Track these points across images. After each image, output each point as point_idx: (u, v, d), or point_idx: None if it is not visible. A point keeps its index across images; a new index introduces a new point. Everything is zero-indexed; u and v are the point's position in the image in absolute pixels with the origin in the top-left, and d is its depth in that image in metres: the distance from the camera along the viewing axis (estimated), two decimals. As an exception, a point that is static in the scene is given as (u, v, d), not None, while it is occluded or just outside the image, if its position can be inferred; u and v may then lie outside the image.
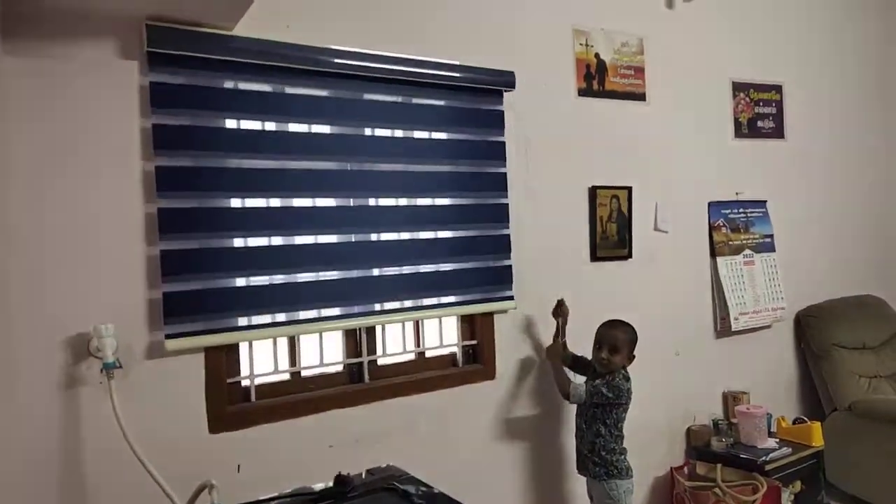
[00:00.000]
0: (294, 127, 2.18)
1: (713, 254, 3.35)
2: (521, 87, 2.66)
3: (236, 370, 2.15)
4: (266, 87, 2.13)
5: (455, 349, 2.62)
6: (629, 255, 3.03)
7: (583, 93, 2.91)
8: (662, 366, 3.12)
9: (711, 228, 3.35)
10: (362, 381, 2.37)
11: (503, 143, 2.63)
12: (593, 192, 2.92)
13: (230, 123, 2.08)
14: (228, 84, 2.07)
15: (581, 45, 2.91)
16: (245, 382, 2.18)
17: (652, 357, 3.02)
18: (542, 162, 2.78)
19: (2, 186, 1.76)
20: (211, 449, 2.05)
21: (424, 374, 2.51)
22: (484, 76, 2.54)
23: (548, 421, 2.76)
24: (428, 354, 2.57)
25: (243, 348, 2.17)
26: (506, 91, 2.62)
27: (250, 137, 2.11)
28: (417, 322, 2.53)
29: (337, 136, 2.26)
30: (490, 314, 2.62)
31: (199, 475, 2.01)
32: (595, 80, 2.95)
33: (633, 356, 2.52)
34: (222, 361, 2.09)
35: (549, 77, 2.82)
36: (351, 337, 2.38)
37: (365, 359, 2.38)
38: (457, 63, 2.48)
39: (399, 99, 2.39)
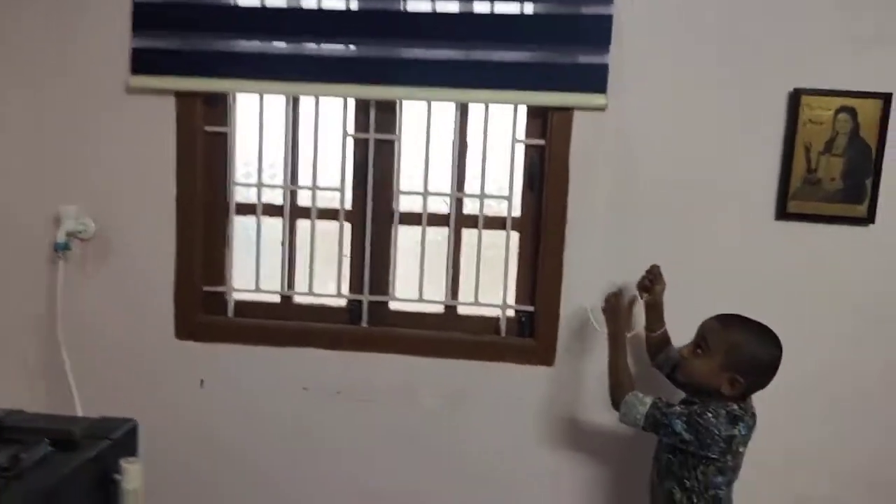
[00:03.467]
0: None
1: None
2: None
3: (219, 278, 1.96)
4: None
5: (499, 311, 1.89)
6: (868, 218, 1.71)
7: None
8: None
9: None
10: (359, 323, 1.92)
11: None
12: (796, 99, 1.69)
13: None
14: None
15: None
16: (227, 294, 1.97)
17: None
18: (688, 47, 1.72)
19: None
20: (175, 355, 1.93)
21: (449, 335, 1.89)
22: None
23: (627, 448, 1.80)
24: (462, 311, 1.92)
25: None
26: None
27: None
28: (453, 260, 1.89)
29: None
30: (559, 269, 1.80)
31: (160, 380, 1.97)
32: None
33: (739, 381, 1.40)
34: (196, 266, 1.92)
35: None
36: (357, 268, 1.92)
37: (365, 297, 1.91)
38: None
39: None
